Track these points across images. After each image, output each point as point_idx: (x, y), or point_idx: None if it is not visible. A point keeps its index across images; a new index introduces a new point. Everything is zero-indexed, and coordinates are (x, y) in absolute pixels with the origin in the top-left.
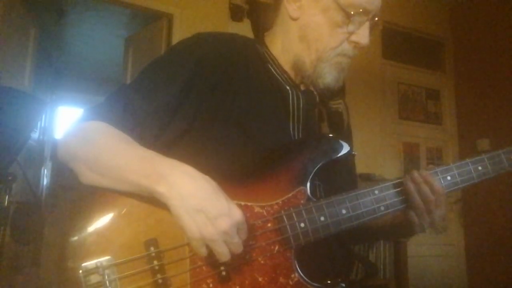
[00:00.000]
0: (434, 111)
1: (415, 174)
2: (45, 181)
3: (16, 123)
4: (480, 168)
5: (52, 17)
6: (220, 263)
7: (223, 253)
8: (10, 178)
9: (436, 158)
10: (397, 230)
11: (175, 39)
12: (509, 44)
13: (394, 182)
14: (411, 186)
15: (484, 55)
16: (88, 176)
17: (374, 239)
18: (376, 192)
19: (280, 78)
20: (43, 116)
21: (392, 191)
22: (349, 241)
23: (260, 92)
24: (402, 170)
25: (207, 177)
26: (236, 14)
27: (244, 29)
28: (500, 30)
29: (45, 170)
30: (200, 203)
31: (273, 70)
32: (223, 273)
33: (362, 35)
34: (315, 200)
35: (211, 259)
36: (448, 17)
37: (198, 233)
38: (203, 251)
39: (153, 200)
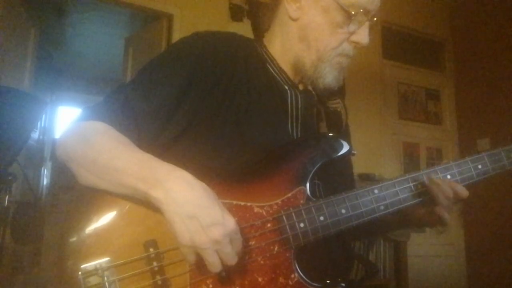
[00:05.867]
0: (434, 111)
1: (433, 176)
2: (45, 181)
3: (16, 123)
4: (480, 166)
5: (52, 17)
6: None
7: (213, 263)
8: (10, 178)
9: (436, 158)
10: (417, 222)
11: (175, 39)
12: (509, 44)
13: (394, 181)
14: (434, 188)
15: (484, 55)
16: (86, 178)
17: (384, 230)
18: (376, 191)
19: (278, 78)
20: (43, 116)
21: (392, 190)
22: (356, 234)
23: (259, 91)
24: (402, 170)
25: (204, 184)
26: (236, 14)
27: (244, 29)
28: (500, 30)
29: (45, 170)
30: (194, 210)
31: (271, 70)
32: (223, 273)
33: (362, 35)
34: (314, 200)
35: None
36: (448, 17)
37: (189, 240)
38: (192, 259)
39: (150, 203)
